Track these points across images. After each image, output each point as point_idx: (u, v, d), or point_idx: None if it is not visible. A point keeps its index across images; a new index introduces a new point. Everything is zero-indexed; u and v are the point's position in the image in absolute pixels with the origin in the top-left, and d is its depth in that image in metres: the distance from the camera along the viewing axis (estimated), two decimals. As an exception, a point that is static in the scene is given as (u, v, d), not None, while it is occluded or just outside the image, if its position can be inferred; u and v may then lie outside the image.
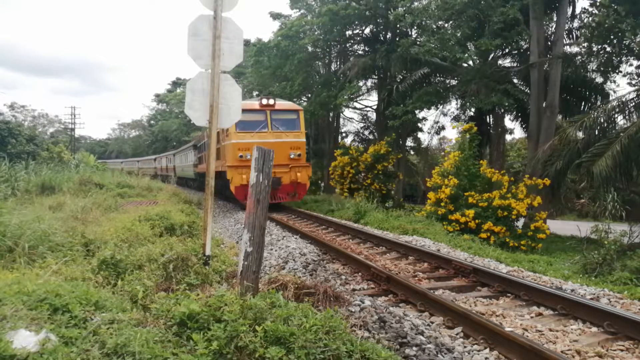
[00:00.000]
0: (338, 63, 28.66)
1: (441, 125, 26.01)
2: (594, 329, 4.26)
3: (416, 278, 6.20)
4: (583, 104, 19.57)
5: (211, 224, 5.21)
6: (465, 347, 3.78)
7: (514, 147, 38.00)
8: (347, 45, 28.31)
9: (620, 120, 14.36)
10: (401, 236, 9.86)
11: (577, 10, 19.69)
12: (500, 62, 21.91)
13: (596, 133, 14.04)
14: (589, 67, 18.61)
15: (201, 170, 22.52)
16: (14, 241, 5.23)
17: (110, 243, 5.67)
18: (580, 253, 8.62)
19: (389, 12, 22.58)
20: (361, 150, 20.46)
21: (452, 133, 55.48)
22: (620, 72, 17.16)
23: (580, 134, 14.45)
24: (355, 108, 30.19)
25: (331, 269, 6.49)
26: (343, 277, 6.06)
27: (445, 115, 25.62)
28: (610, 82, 18.89)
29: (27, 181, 14.23)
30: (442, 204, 12.84)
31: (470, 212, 11.94)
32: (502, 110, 21.38)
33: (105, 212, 9.47)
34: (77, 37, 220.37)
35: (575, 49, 19.87)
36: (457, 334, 4.06)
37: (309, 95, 28.79)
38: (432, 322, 4.37)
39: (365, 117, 31.87)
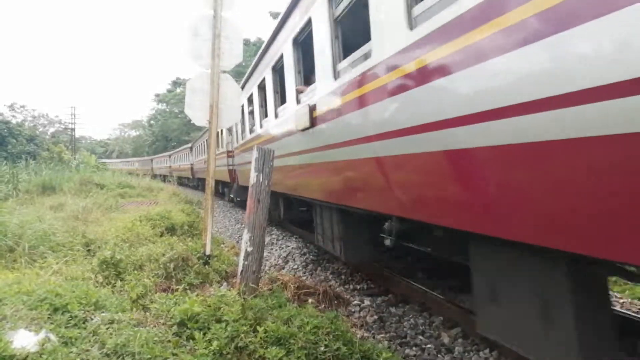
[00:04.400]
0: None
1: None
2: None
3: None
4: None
5: (211, 224, 5.21)
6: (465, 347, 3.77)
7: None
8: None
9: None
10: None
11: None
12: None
13: None
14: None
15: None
16: (15, 241, 5.23)
17: (111, 243, 5.67)
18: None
19: None
20: None
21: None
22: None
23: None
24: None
25: (331, 269, 6.49)
26: (342, 276, 6.06)
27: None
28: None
29: (28, 181, 14.25)
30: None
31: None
32: None
33: (105, 212, 9.47)
34: (77, 37, 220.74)
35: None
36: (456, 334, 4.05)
37: None
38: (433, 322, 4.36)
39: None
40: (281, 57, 6.52)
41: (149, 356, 2.51)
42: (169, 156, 43.69)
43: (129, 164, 64.90)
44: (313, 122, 5.04)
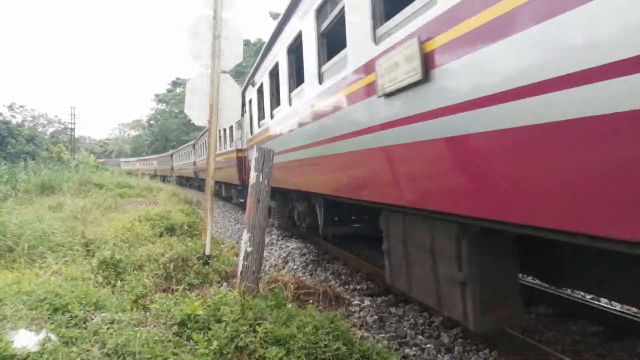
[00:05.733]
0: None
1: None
2: (594, 329, 4.26)
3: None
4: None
5: (211, 224, 5.21)
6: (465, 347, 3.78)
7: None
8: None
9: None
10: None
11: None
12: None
13: None
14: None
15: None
16: (14, 241, 5.23)
17: (110, 243, 5.67)
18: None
19: None
20: None
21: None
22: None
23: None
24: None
25: (331, 269, 6.50)
26: (342, 277, 6.06)
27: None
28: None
29: (27, 181, 14.24)
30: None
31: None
32: None
33: (105, 212, 9.47)
34: (77, 37, 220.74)
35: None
36: (456, 334, 4.06)
37: None
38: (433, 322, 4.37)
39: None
40: None
41: (149, 356, 2.51)
42: (193, 146, 28.42)
43: (147, 162, 55.54)
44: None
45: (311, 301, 4.53)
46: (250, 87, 10.07)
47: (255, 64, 9.55)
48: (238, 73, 34.04)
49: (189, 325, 3.01)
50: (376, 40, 3.55)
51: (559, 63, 1.88)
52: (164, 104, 66.69)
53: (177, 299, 3.58)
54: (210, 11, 5.14)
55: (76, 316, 2.97)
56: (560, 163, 1.94)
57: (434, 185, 2.99)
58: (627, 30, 1.70)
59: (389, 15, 3.55)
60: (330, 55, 4.87)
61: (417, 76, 2.81)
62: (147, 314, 3.33)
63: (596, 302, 4.81)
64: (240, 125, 12.26)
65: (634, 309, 4.79)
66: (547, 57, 1.92)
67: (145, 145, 74.41)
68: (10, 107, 58.29)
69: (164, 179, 34.73)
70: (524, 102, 2.04)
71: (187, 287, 4.36)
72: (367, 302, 4.87)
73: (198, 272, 4.72)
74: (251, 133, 10.63)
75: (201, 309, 3.14)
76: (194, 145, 28.16)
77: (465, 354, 3.61)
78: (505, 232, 2.62)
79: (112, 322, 2.93)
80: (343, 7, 4.17)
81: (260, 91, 9.21)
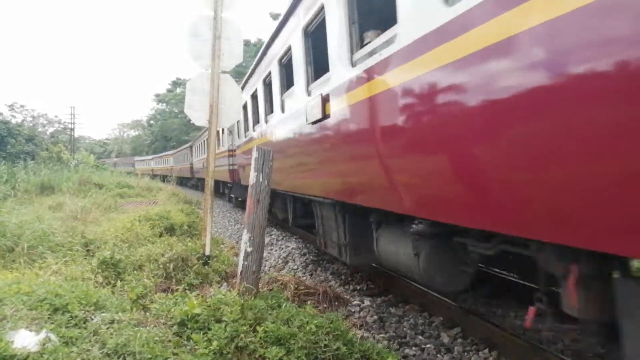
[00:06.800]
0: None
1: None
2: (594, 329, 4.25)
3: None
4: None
5: (211, 224, 5.21)
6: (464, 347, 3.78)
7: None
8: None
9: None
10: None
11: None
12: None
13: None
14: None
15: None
16: (14, 241, 5.23)
17: (110, 243, 5.66)
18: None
19: None
20: None
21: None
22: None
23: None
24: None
25: (331, 269, 6.49)
26: (342, 277, 6.06)
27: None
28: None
29: (27, 181, 14.23)
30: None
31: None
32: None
33: (105, 212, 9.46)
34: (76, 36, 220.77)
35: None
36: (456, 334, 4.06)
37: None
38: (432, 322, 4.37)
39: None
40: None
41: (149, 356, 2.51)
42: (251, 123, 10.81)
43: (162, 160, 45.68)
44: None
45: (309, 301, 4.52)
46: None
47: None
48: (238, 73, 33.99)
49: (188, 326, 3.01)
50: None
51: None
52: (164, 104, 66.65)
53: (177, 299, 3.57)
54: (211, 11, 5.14)
55: (76, 316, 2.96)
56: None
57: None
58: None
59: None
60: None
61: None
62: (147, 314, 3.33)
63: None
64: None
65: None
66: None
67: (145, 145, 74.45)
68: (11, 107, 58.35)
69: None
70: None
71: (187, 287, 4.35)
72: (367, 302, 4.87)
73: (198, 272, 4.72)
74: None
75: (201, 309, 3.14)
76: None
77: (465, 354, 3.61)
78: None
79: (112, 322, 2.93)
80: None
81: None
